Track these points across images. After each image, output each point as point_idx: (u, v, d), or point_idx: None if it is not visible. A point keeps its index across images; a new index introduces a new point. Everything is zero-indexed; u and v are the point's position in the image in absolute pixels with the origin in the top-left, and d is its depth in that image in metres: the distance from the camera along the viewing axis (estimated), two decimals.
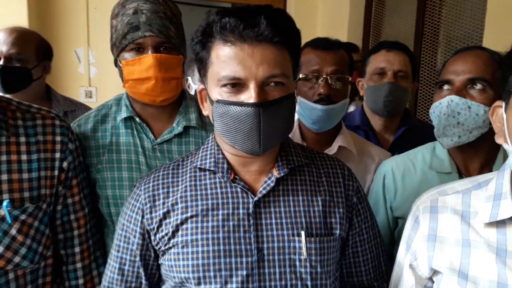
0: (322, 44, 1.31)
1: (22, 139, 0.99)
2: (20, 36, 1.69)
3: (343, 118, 1.68)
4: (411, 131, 1.64)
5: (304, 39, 3.31)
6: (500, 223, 0.76)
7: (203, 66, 0.86)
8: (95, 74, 3.21)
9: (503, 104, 0.76)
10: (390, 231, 1.26)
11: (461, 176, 1.13)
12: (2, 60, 1.63)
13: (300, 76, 1.30)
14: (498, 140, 0.76)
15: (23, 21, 2.81)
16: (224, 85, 0.81)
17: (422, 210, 0.89)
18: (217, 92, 0.82)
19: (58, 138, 1.04)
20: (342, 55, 1.32)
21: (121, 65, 1.12)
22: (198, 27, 0.85)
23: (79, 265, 1.10)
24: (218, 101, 0.82)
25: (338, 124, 1.38)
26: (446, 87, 1.10)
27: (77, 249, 1.09)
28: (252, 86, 0.79)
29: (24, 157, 0.98)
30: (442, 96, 1.09)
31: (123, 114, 1.18)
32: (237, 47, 0.79)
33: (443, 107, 1.08)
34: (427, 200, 0.89)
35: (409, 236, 0.92)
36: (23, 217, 0.96)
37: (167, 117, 1.20)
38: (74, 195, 1.08)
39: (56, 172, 1.03)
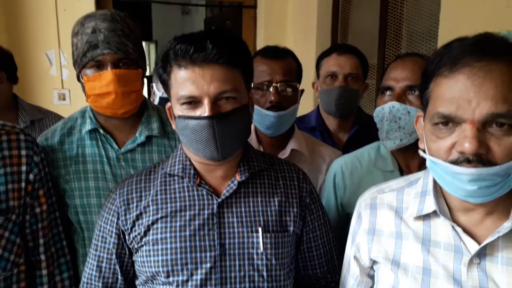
0: (270, 53, 1.39)
1: None
2: None
3: (301, 120, 1.77)
4: (363, 130, 1.72)
5: (275, 37, 3.37)
6: (426, 217, 0.86)
7: (166, 87, 0.98)
8: (68, 76, 3.20)
9: (423, 114, 0.85)
10: (342, 227, 1.35)
11: (402, 173, 1.23)
12: None
13: (252, 85, 1.38)
14: (421, 145, 0.85)
15: None
16: (183, 103, 0.92)
17: (363, 206, 0.98)
18: (178, 109, 0.94)
19: (23, 152, 1.10)
20: (290, 63, 1.41)
21: (83, 81, 1.17)
22: (159, 54, 0.97)
23: (44, 271, 1.17)
24: (179, 117, 0.94)
25: (291, 128, 1.47)
26: (387, 92, 1.19)
27: (42, 257, 1.16)
28: (205, 102, 0.90)
29: None
30: (384, 102, 1.18)
31: (88, 126, 1.24)
32: (189, 70, 0.90)
33: (385, 112, 1.17)
34: (367, 197, 0.99)
35: (353, 231, 1.01)
36: None
37: (130, 128, 1.27)
38: (42, 204, 1.15)
39: (23, 184, 1.09)
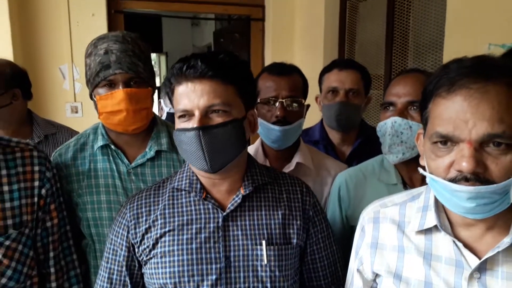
0: (277, 70, 1.44)
1: (4, 171, 1.10)
2: None
3: (305, 133, 1.80)
4: (367, 143, 1.74)
5: (283, 49, 3.40)
6: (427, 231, 0.88)
7: (172, 104, 1.03)
8: (80, 90, 3.28)
9: (423, 131, 0.88)
10: (347, 239, 1.37)
11: (405, 187, 1.25)
12: None
13: (259, 100, 1.43)
14: (421, 162, 0.87)
15: (6, 41, 2.88)
16: (179, 117, 0.99)
17: (367, 220, 1.01)
18: (178, 123, 1.00)
19: (36, 168, 1.15)
20: (296, 79, 1.45)
21: (95, 99, 1.22)
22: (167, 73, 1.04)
23: (53, 284, 1.20)
24: (175, 130, 1.00)
25: (297, 141, 1.50)
26: (389, 108, 1.22)
27: (52, 269, 1.20)
28: (196, 115, 0.95)
29: (6, 188, 1.09)
30: (386, 117, 1.21)
31: (100, 142, 1.29)
32: (183, 85, 0.97)
33: (387, 127, 1.20)
34: (371, 211, 1.01)
35: (357, 244, 1.03)
36: (7, 242, 1.07)
37: (140, 143, 1.31)
38: (53, 218, 1.19)
39: (35, 199, 1.14)
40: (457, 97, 0.74)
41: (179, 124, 0.98)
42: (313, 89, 1.87)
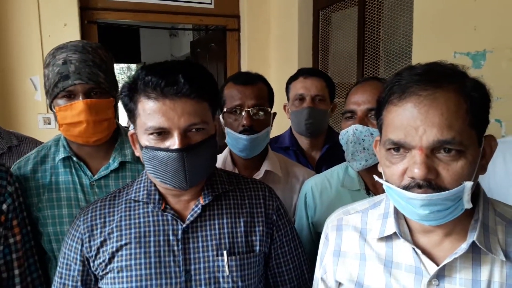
0: (241, 79, 1.45)
1: None
2: None
3: (275, 140, 1.82)
4: (334, 147, 1.76)
5: (258, 58, 3.45)
6: (388, 238, 0.88)
7: (131, 116, 0.98)
8: None
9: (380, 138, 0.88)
10: (315, 245, 1.37)
11: (368, 192, 1.26)
12: None
13: (225, 109, 1.43)
14: (379, 169, 0.88)
15: None
16: (151, 133, 0.93)
17: (330, 228, 1.01)
18: (145, 139, 0.94)
19: None
20: (261, 88, 1.46)
21: (54, 110, 1.20)
22: (125, 82, 0.98)
23: None
24: (146, 147, 0.94)
25: (265, 149, 1.51)
26: (350, 116, 1.23)
27: (19, 287, 1.15)
28: (176, 134, 0.91)
29: None
30: (348, 125, 1.23)
31: (61, 154, 1.26)
32: (160, 102, 0.91)
33: (349, 135, 1.21)
34: (334, 219, 1.01)
35: (321, 252, 1.03)
36: None
37: (103, 155, 1.29)
38: (16, 235, 1.15)
39: None
40: (408, 104, 0.75)
41: (150, 141, 0.93)
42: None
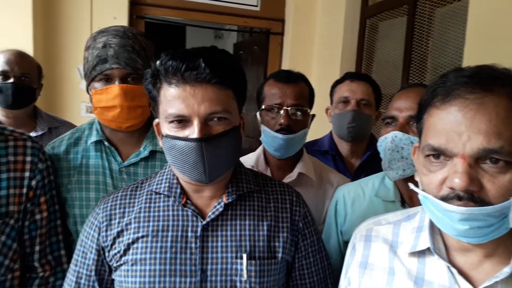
0: (283, 77, 1.41)
1: None
2: (27, 58, 1.87)
3: (313, 143, 1.77)
4: (376, 155, 1.70)
5: (300, 63, 3.43)
6: (421, 253, 0.81)
7: (155, 104, 0.95)
8: None
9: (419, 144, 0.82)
10: (341, 255, 1.31)
11: (403, 204, 1.19)
12: (12, 79, 1.78)
13: (263, 107, 1.39)
14: (416, 177, 0.82)
15: (28, 39, 2.95)
16: (171, 121, 0.89)
17: (358, 238, 0.95)
18: (166, 127, 0.91)
19: (28, 158, 1.12)
20: (302, 88, 1.42)
21: (91, 93, 1.21)
22: (147, 70, 0.94)
23: (36, 279, 1.17)
24: (166, 136, 0.91)
25: (300, 152, 1.46)
26: (391, 122, 1.17)
27: (36, 263, 1.17)
28: (195, 123, 0.86)
29: None
30: (387, 131, 1.16)
31: (93, 138, 1.26)
32: (180, 88, 0.87)
33: (388, 142, 1.15)
34: (363, 229, 0.95)
35: (347, 262, 0.97)
36: None
37: (135, 142, 1.28)
38: (42, 211, 1.16)
39: (24, 190, 1.11)
40: (452, 108, 0.69)
41: (170, 129, 0.89)
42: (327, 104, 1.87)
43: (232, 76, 0.91)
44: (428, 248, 0.79)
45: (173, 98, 0.87)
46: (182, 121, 0.88)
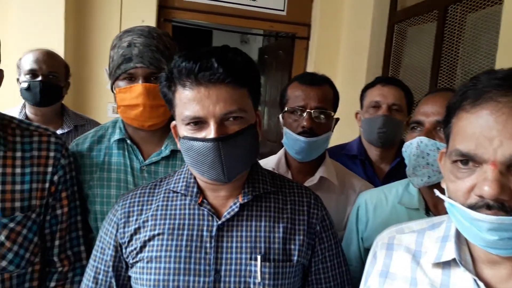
0: (308, 80, 1.39)
1: (18, 154, 1.10)
2: (55, 57, 1.93)
3: (342, 147, 1.74)
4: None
5: (325, 68, 3.39)
6: (445, 265, 0.78)
7: (171, 107, 0.95)
8: None
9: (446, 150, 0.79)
10: (362, 263, 1.27)
11: (428, 213, 1.15)
12: (40, 77, 1.83)
13: (286, 109, 1.38)
14: (442, 184, 0.78)
15: (59, 40, 3.03)
16: (188, 124, 0.89)
17: (380, 246, 0.92)
18: (183, 129, 0.91)
19: (51, 154, 1.14)
20: (327, 91, 1.40)
21: (115, 92, 1.22)
22: (163, 72, 0.95)
23: (55, 273, 1.19)
24: (183, 137, 0.91)
25: (322, 155, 1.44)
26: (417, 128, 1.13)
27: (55, 258, 1.18)
28: (211, 123, 0.86)
29: (18, 170, 1.09)
30: (413, 137, 1.12)
31: (116, 136, 1.28)
32: (194, 90, 0.87)
33: (413, 147, 1.11)
34: (385, 237, 0.92)
35: (367, 271, 0.94)
36: (11, 225, 1.06)
37: (156, 141, 1.29)
38: (63, 207, 1.18)
39: (47, 185, 1.13)
40: (483, 111, 0.65)
41: (187, 131, 0.89)
42: (354, 112, 1.86)
43: (246, 74, 0.91)
44: (454, 259, 0.75)
45: (188, 101, 0.88)
46: (198, 122, 0.88)
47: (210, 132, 0.86)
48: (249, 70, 0.92)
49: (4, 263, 1.05)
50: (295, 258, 0.98)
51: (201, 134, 0.88)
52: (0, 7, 2.94)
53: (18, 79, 1.90)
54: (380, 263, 0.89)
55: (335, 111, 1.44)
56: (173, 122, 0.98)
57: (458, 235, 0.77)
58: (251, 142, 0.93)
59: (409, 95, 1.70)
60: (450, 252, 0.76)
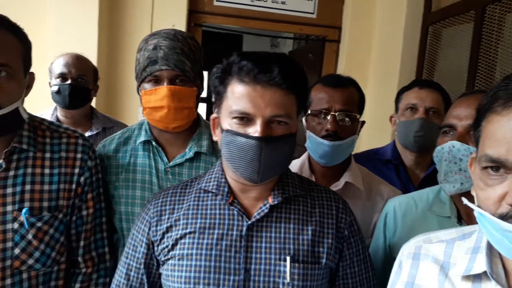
0: (332, 82, 1.35)
1: (47, 154, 1.12)
2: (84, 61, 1.98)
3: (375, 152, 1.69)
4: None
5: (356, 71, 3.33)
6: (476, 278, 0.73)
7: (218, 98, 0.97)
8: None
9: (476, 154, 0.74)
10: (388, 271, 1.22)
11: (460, 221, 1.09)
12: (69, 80, 1.89)
13: (310, 111, 1.34)
14: (472, 192, 0.74)
15: (93, 45, 3.11)
16: (235, 117, 0.91)
17: (406, 255, 0.88)
18: (228, 123, 0.93)
19: (79, 156, 1.16)
20: (352, 93, 1.35)
21: (141, 94, 1.24)
22: (218, 65, 0.97)
23: (79, 275, 1.21)
24: (227, 131, 0.93)
25: (348, 160, 1.39)
26: (449, 132, 1.07)
27: (80, 258, 1.20)
28: (259, 122, 0.89)
29: (47, 170, 1.11)
30: (445, 141, 1.07)
31: (142, 138, 1.29)
32: (251, 87, 0.90)
33: (444, 152, 1.06)
34: (412, 246, 0.88)
35: (392, 281, 0.91)
36: (39, 224, 1.08)
37: (181, 143, 1.30)
38: (89, 208, 1.20)
39: (73, 186, 1.15)
40: None
41: (232, 125, 0.92)
42: (386, 116, 1.80)
43: (299, 83, 0.94)
44: (485, 272, 0.71)
45: (241, 96, 0.90)
46: (245, 118, 0.90)
47: (256, 130, 0.89)
48: (302, 80, 0.96)
49: (31, 261, 1.08)
50: (324, 260, 0.99)
51: (245, 130, 0.91)
52: (39, 14, 3.06)
53: (50, 83, 1.96)
54: (405, 274, 0.85)
55: (361, 113, 1.39)
56: (214, 114, 1.00)
57: (490, 246, 0.73)
58: (289, 149, 0.95)
59: (447, 99, 1.63)
60: (481, 265, 0.72)
